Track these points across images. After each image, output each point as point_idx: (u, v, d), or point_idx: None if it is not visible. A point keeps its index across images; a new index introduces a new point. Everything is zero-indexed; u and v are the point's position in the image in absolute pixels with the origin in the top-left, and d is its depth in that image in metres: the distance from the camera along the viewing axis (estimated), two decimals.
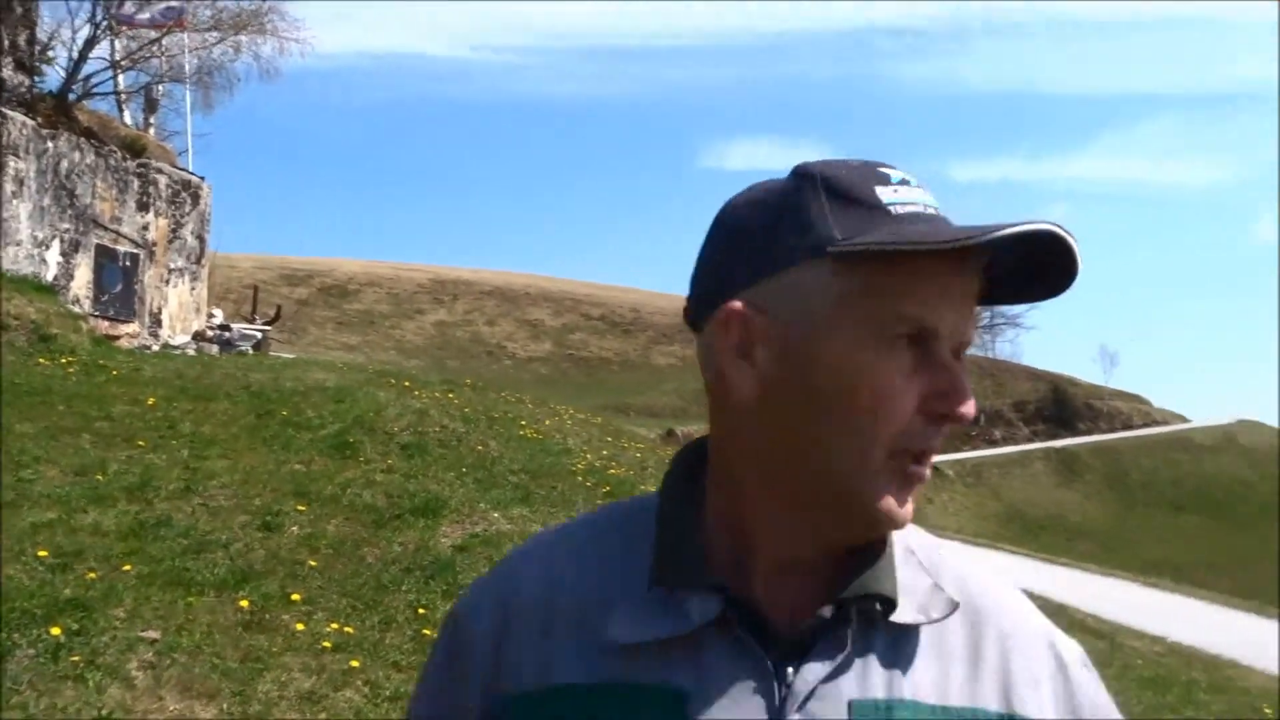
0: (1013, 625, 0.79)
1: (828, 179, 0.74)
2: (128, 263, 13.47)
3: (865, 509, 0.73)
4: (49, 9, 19.46)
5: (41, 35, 15.18)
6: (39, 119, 12.46)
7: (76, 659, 3.77)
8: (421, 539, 5.60)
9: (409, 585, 5.01)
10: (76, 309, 11.84)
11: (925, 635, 0.76)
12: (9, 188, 11.43)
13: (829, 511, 0.75)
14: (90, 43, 16.68)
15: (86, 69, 16.52)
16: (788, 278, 0.73)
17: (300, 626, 4.36)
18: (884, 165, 0.76)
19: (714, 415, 0.80)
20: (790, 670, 0.72)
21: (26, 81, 13.32)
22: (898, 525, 0.75)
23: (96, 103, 16.93)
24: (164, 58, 18.26)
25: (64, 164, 12.40)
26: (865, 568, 0.76)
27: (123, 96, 18.26)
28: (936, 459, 0.74)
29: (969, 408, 0.73)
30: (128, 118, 17.93)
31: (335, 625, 4.43)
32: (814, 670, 0.72)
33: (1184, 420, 62.26)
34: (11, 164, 11.47)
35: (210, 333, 14.78)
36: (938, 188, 0.78)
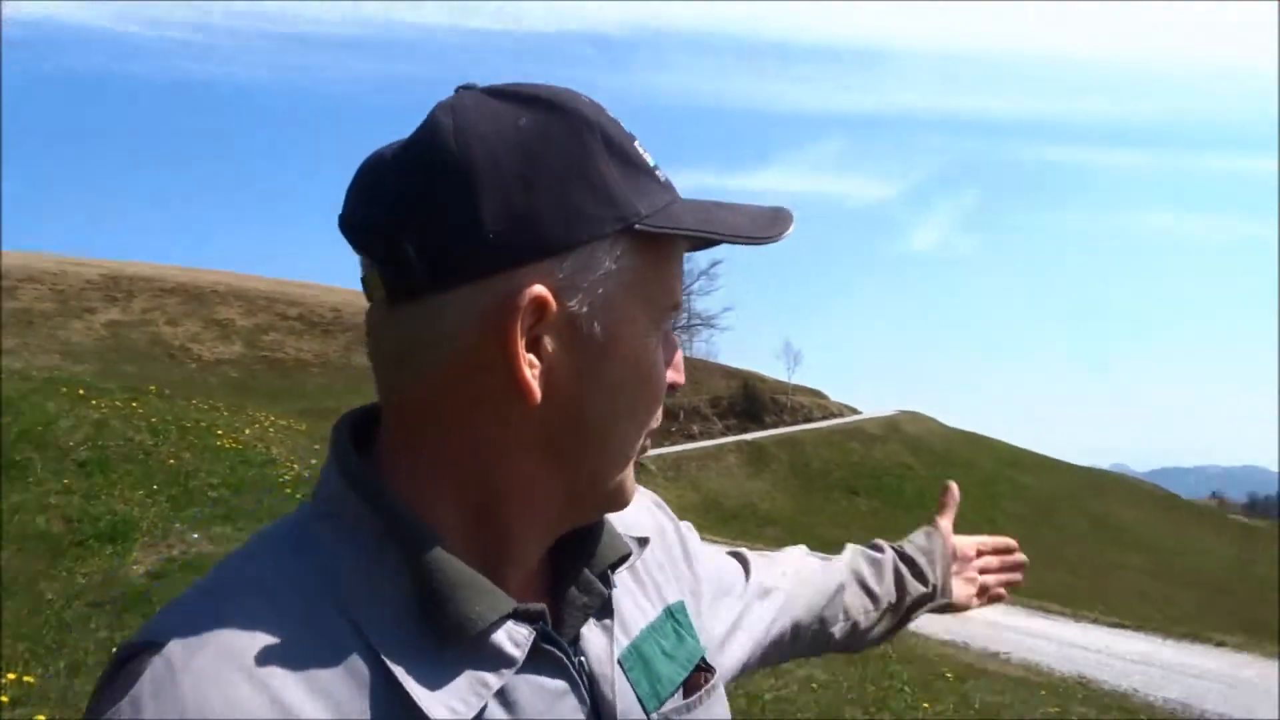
0: (637, 528, 0.84)
1: (605, 132, 0.66)
2: None
3: (624, 490, 0.72)
4: None
5: None
6: None
7: None
8: (109, 567, 5.11)
9: (98, 621, 4.53)
10: None
11: (623, 574, 0.79)
12: None
13: (597, 500, 0.71)
14: None
15: None
16: (585, 254, 0.63)
17: None
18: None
19: (459, 413, 0.65)
20: (582, 661, 0.71)
21: None
22: (631, 500, 0.74)
23: None
24: None
25: None
26: (594, 540, 0.75)
27: None
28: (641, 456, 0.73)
29: (682, 375, 0.74)
30: None
31: (13, 675, 3.91)
32: (596, 648, 0.72)
33: (856, 412, 67.94)
34: None
35: None
36: None
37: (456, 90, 0.66)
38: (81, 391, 8.74)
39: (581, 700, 0.69)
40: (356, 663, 0.60)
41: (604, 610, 0.74)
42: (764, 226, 0.70)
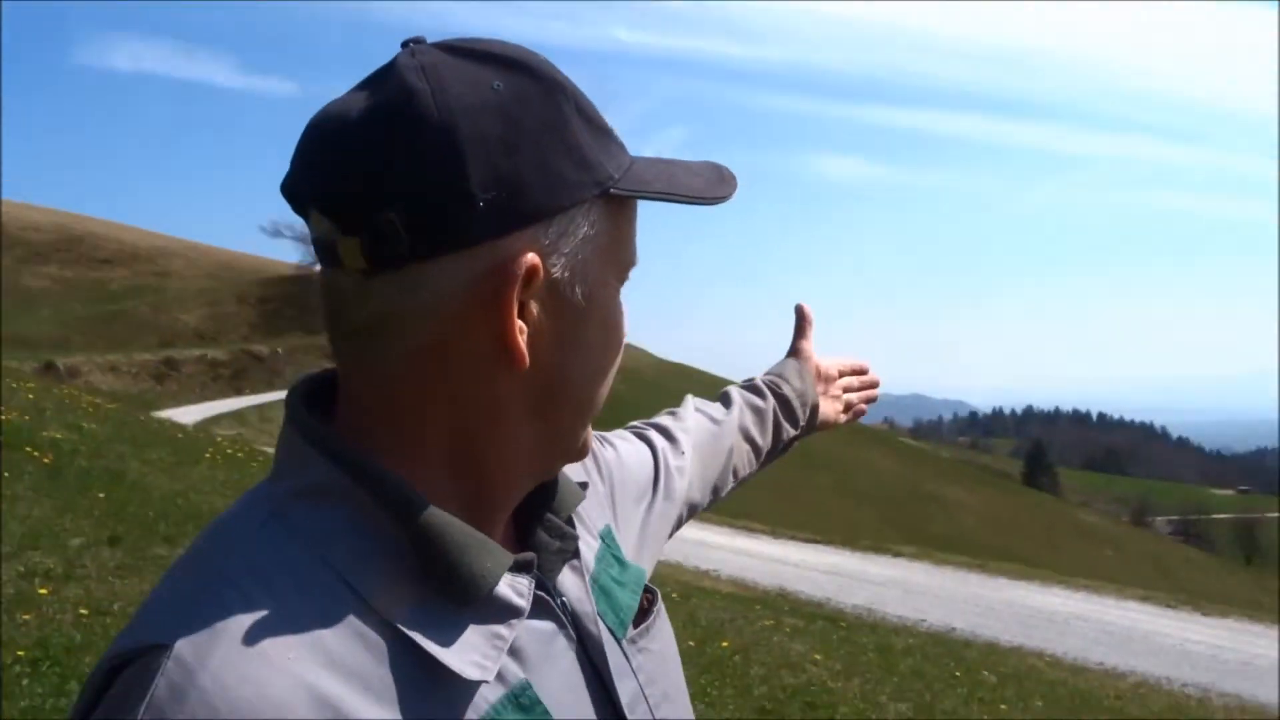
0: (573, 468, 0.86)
1: (575, 95, 0.66)
2: None
3: (588, 442, 0.75)
4: None
5: None
6: None
7: None
8: None
9: None
10: None
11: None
12: None
13: (568, 453, 0.73)
14: None
15: None
16: (566, 220, 0.64)
17: None
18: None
19: (443, 380, 0.64)
20: (564, 601, 0.73)
21: None
22: (589, 449, 0.77)
23: None
24: None
25: None
26: (554, 487, 0.76)
27: None
28: None
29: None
30: None
31: None
32: (573, 588, 0.74)
33: None
34: None
35: None
36: None
37: (408, 46, 0.65)
38: None
39: (569, 639, 0.71)
40: (371, 635, 0.59)
41: (574, 552, 0.77)
42: (715, 186, 0.73)
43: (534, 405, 0.67)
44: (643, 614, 0.80)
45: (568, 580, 0.75)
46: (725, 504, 1.25)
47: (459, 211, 0.60)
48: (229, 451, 11.14)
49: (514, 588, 0.65)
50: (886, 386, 1.55)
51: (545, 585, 0.71)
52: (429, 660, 0.60)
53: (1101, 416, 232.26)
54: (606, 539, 0.85)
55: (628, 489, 0.96)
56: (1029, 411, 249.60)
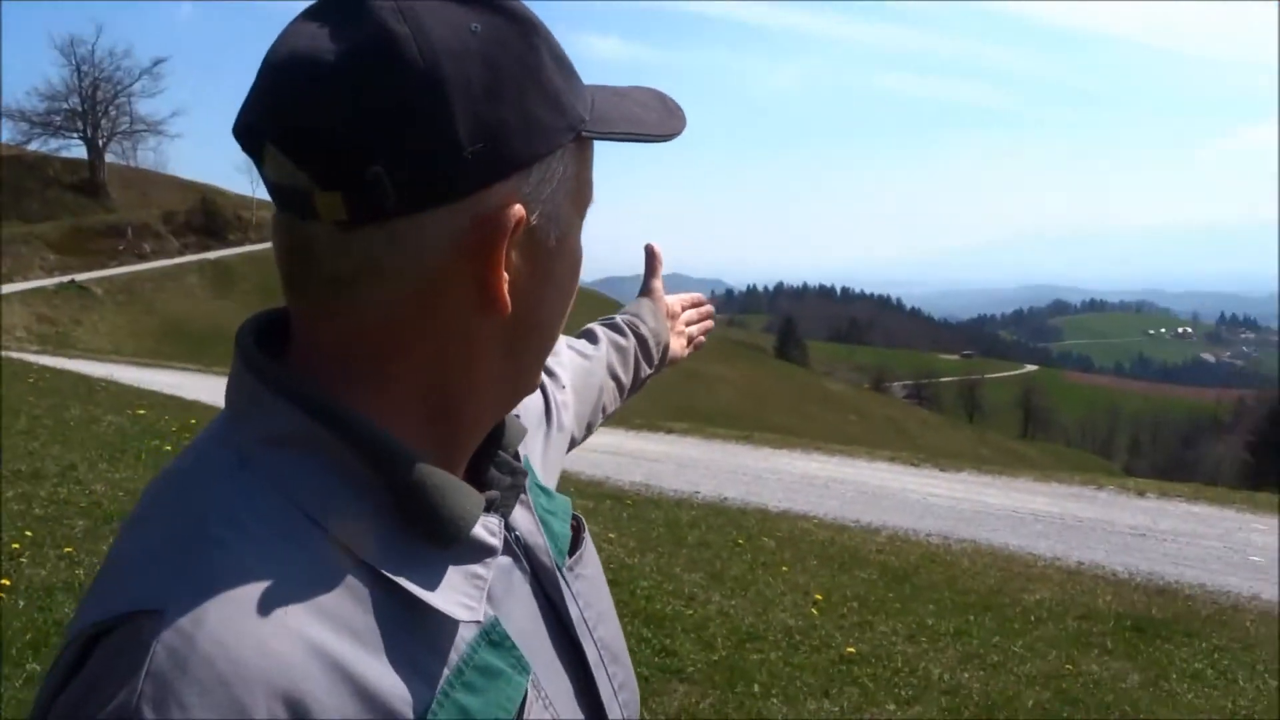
0: None
1: (547, 35, 0.64)
2: None
3: (540, 380, 0.77)
4: None
5: None
6: None
7: None
8: None
9: None
10: None
11: None
12: None
13: (529, 388, 0.74)
14: None
15: None
16: (544, 167, 0.63)
17: None
18: None
19: (422, 331, 0.63)
20: (518, 535, 0.74)
21: None
22: None
23: None
24: None
25: None
26: (503, 424, 0.76)
27: None
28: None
29: None
30: None
31: None
32: (524, 521, 0.75)
33: None
34: None
35: None
36: None
37: None
38: None
39: (524, 572, 0.73)
40: (357, 582, 0.59)
41: (524, 487, 0.78)
42: (666, 120, 0.73)
43: (507, 347, 0.67)
44: (575, 542, 0.82)
45: (518, 515, 0.75)
46: None
47: (447, 164, 0.58)
48: None
49: (486, 527, 0.66)
50: None
51: (505, 522, 0.72)
52: (414, 603, 0.60)
53: (844, 290, 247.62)
54: (529, 469, 0.86)
55: (530, 419, 0.96)
56: (780, 288, 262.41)
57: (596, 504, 8.36)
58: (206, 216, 58.18)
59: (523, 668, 0.66)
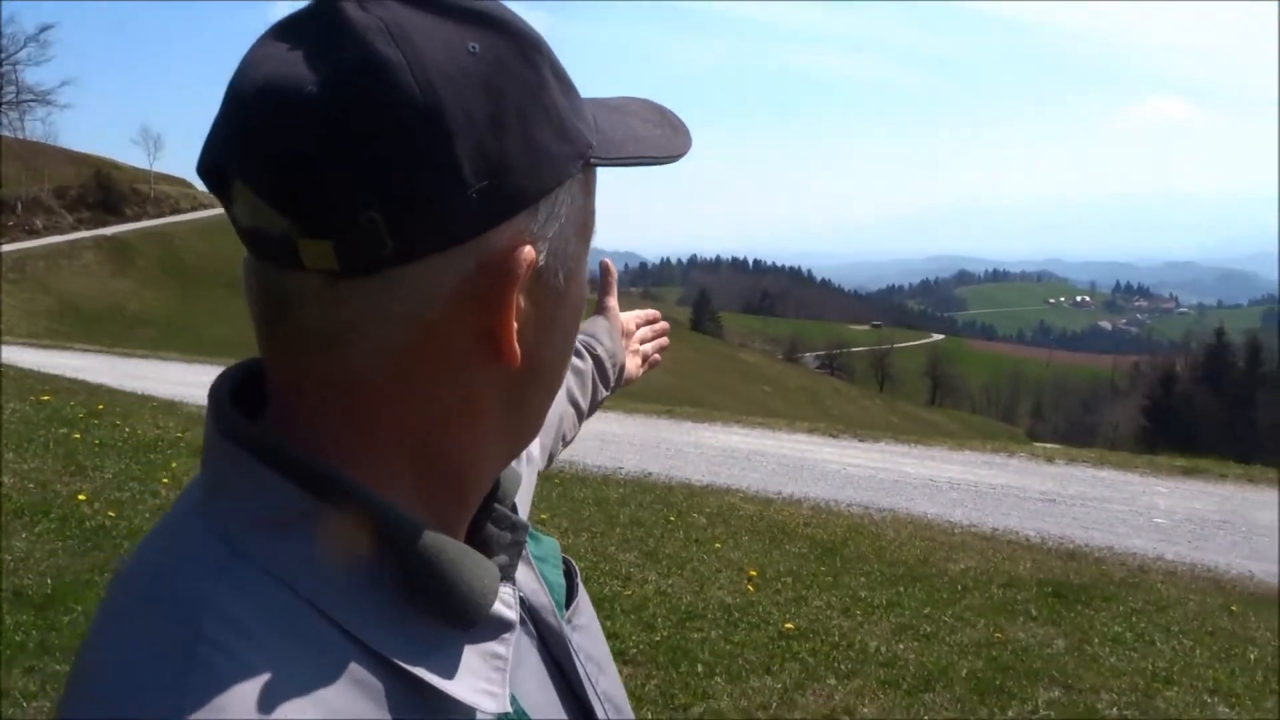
0: None
1: (550, 54, 0.58)
2: None
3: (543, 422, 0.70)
4: None
5: None
6: None
7: None
8: None
9: None
10: None
11: None
12: None
13: (529, 438, 0.67)
14: None
15: None
16: (552, 202, 0.57)
17: None
18: None
19: (422, 387, 0.57)
20: (523, 596, 0.69)
21: None
22: None
23: None
24: None
25: None
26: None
27: None
28: None
29: None
30: None
31: None
32: (526, 579, 0.70)
33: None
34: None
35: None
36: None
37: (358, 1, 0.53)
38: None
39: (531, 636, 0.69)
40: (369, 678, 0.52)
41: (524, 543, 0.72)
42: (673, 139, 0.68)
43: (511, 399, 0.61)
44: (569, 588, 0.77)
45: (521, 574, 0.69)
46: None
47: (449, 206, 0.52)
48: None
49: (503, 600, 0.60)
50: None
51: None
52: (433, 693, 0.55)
53: (757, 263, 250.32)
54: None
55: None
56: (694, 260, 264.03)
57: None
58: (101, 191, 55.95)
59: None
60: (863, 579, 6.02)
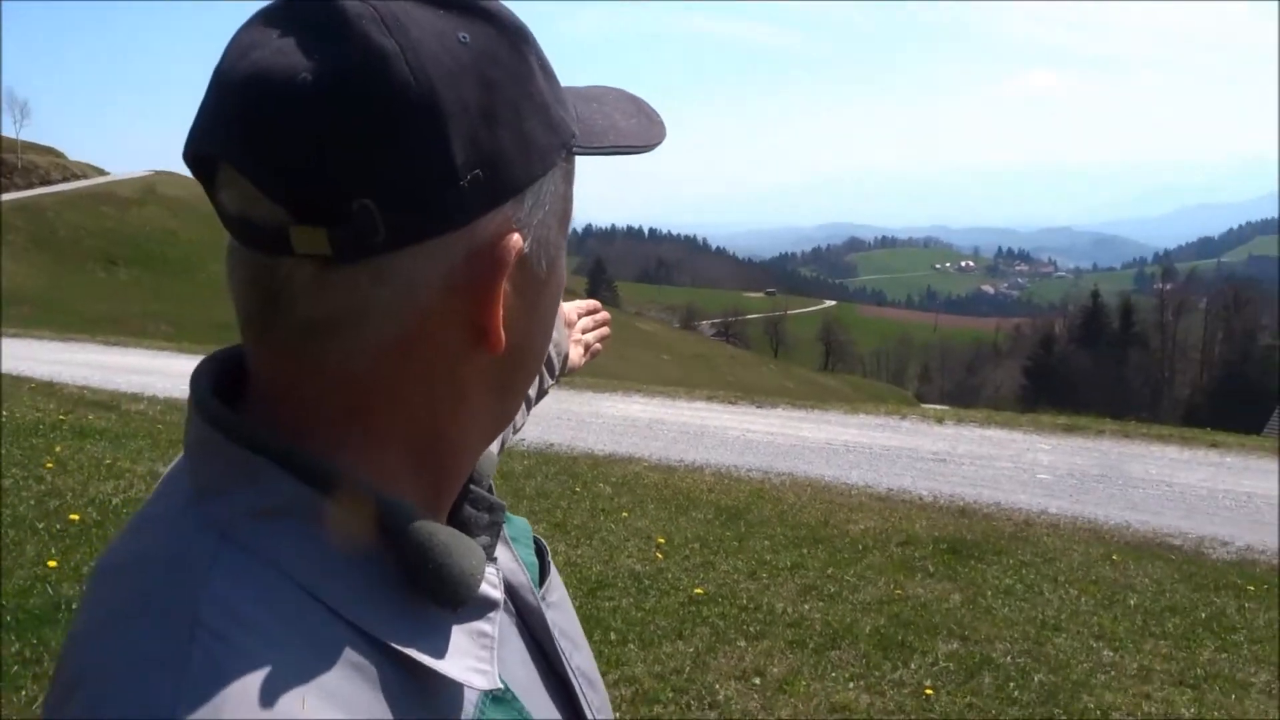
0: None
1: (536, 43, 0.58)
2: None
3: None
4: None
5: None
6: None
7: None
8: None
9: None
10: None
11: None
12: None
13: (509, 421, 0.68)
14: None
15: None
16: (537, 190, 0.58)
17: None
18: None
19: (412, 375, 0.58)
20: (503, 575, 0.69)
21: None
22: None
23: None
24: None
25: None
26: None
27: None
28: None
29: None
30: None
31: None
32: (505, 558, 0.72)
33: (102, 173, 61.85)
34: None
35: None
36: None
37: None
38: None
39: (510, 614, 0.70)
40: (364, 661, 0.53)
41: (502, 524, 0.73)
42: (649, 129, 0.69)
43: (495, 384, 0.62)
44: (542, 567, 0.78)
45: (500, 554, 0.71)
46: None
47: (441, 195, 0.52)
48: None
49: (489, 580, 0.62)
50: None
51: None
52: (425, 672, 0.56)
53: (652, 231, 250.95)
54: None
55: None
56: (589, 229, 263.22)
57: None
58: None
59: (526, 718, 0.64)
60: (767, 542, 6.15)
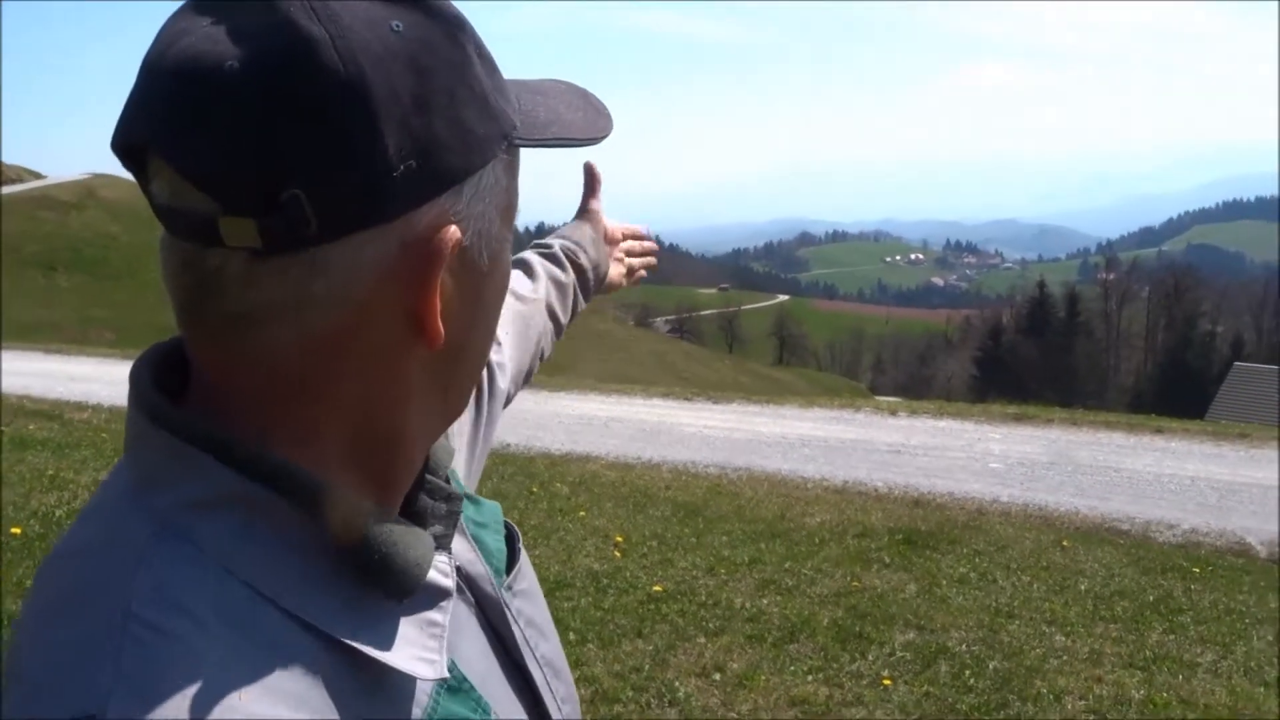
0: None
1: (474, 33, 0.58)
2: None
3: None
4: None
5: None
6: None
7: None
8: None
9: None
10: None
11: None
12: None
13: (456, 414, 0.68)
14: None
15: None
16: (476, 182, 0.57)
17: None
18: None
19: (347, 368, 0.57)
20: (459, 565, 0.70)
21: None
22: None
23: None
24: None
25: None
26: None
27: None
28: None
29: None
30: None
31: None
32: (461, 548, 0.71)
33: (39, 176, 60.53)
34: None
35: None
36: None
37: None
38: None
39: (469, 604, 0.70)
40: (307, 652, 0.53)
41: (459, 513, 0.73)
42: (595, 122, 0.69)
43: (436, 378, 0.61)
44: (511, 554, 0.77)
45: (457, 544, 0.70)
46: None
47: (373, 185, 0.52)
48: None
49: (438, 569, 0.62)
50: None
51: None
52: (373, 665, 0.56)
53: None
54: (453, 479, 0.80)
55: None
56: (541, 228, 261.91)
57: None
58: None
59: (484, 709, 0.64)
60: (725, 538, 6.17)
